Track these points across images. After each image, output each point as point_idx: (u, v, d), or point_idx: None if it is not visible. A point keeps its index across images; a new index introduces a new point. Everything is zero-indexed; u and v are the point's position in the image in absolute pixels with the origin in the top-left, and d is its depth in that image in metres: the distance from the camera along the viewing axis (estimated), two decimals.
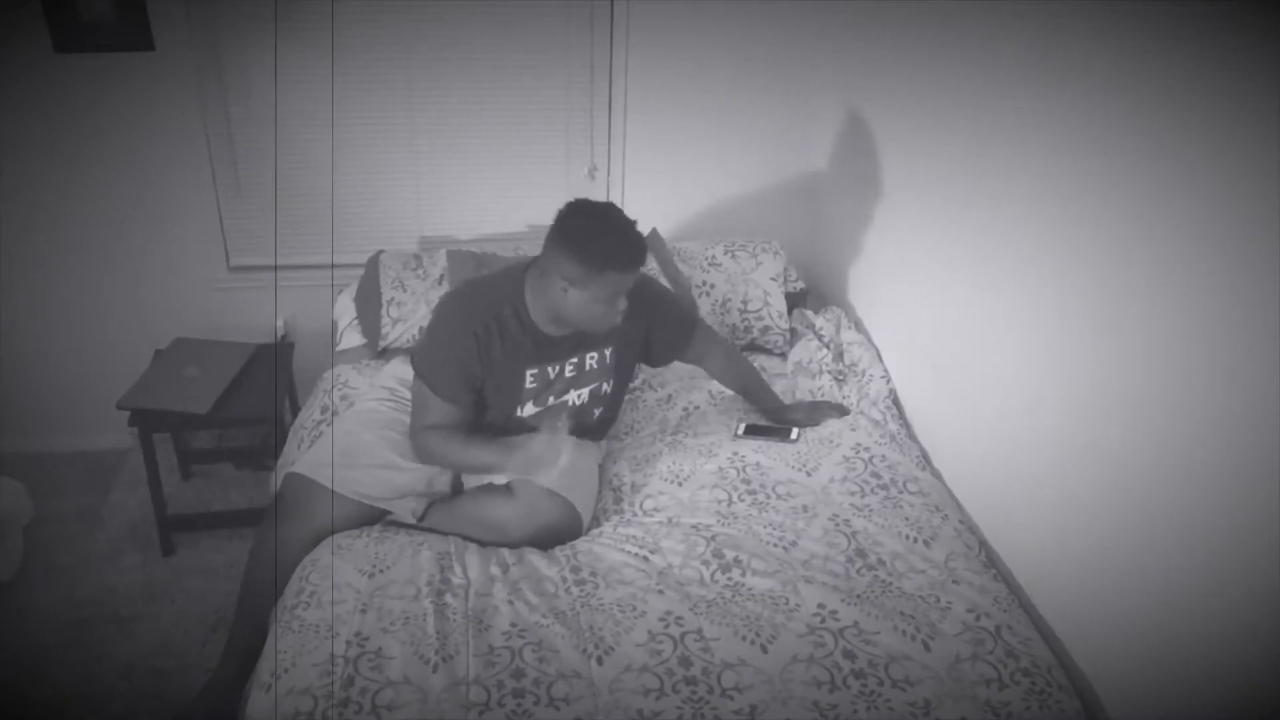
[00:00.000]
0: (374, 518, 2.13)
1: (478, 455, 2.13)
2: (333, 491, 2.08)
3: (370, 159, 2.98)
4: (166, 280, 3.01)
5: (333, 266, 3.05)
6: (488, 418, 2.22)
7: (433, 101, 2.92)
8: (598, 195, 3.12)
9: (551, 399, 2.23)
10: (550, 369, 2.18)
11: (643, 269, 2.11)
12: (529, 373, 2.17)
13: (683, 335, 2.37)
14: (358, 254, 2.99)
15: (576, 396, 2.25)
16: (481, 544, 2.10)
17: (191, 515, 2.86)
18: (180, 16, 2.69)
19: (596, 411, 2.32)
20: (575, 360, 2.20)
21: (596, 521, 2.22)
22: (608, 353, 2.24)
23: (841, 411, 2.52)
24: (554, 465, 2.04)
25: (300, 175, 2.96)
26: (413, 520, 2.14)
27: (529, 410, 2.22)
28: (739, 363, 2.54)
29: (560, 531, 2.11)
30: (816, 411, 2.50)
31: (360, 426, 2.24)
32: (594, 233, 1.98)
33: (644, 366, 2.65)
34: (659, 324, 2.30)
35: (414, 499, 2.16)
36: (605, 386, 2.29)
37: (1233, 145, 1.42)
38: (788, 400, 2.57)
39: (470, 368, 2.10)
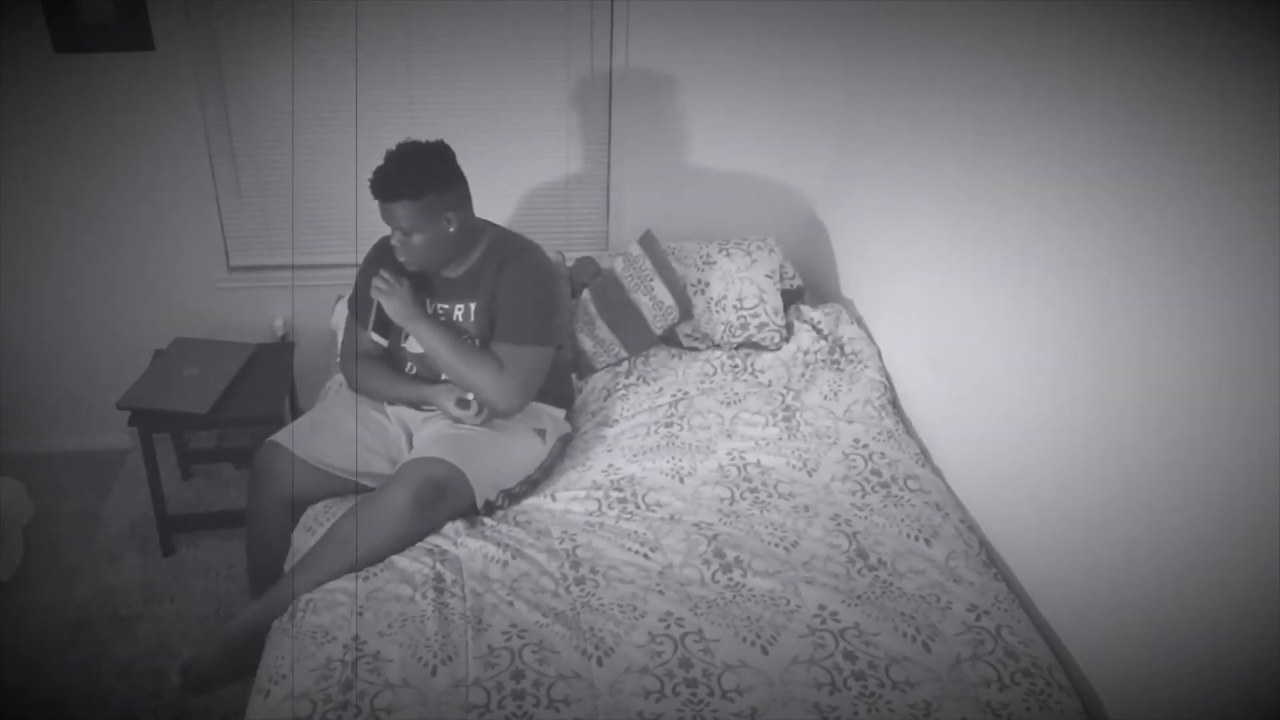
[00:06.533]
0: (341, 489, 2.19)
1: (406, 389, 2.31)
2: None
3: (370, 159, 2.96)
4: (166, 280, 3.01)
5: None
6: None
7: (432, 101, 2.91)
8: (597, 195, 3.12)
9: None
10: (423, 304, 2.28)
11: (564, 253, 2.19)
12: None
13: (499, 326, 2.23)
14: (358, 255, 2.98)
15: None
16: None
17: (191, 515, 2.86)
18: (180, 16, 2.68)
19: None
20: (445, 306, 2.28)
21: (601, 511, 2.18)
22: (473, 307, 2.27)
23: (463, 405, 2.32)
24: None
25: (302, 174, 2.96)
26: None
27: (414, 345, 2.30)
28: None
29: (444, 484, 2.05)
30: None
31: (335, 404, 2.38)
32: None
33: (638, 361, 2.62)
34: (501, 299, 2.22)
35: (373, 478, 2.21)
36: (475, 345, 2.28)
37: (1233, 144, 1.42)
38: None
39: (362, 283, 2.31)
